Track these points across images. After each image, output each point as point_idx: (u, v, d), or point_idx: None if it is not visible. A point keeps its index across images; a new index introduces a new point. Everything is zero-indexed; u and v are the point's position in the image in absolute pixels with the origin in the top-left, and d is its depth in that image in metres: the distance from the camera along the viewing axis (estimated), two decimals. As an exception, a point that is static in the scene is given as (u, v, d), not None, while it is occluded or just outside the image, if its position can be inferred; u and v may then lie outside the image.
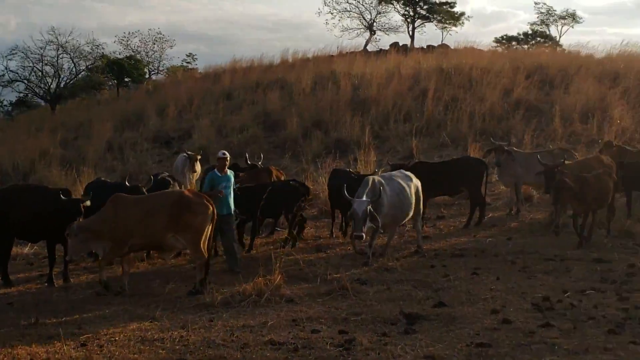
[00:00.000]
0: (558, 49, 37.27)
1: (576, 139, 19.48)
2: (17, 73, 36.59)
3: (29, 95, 39.09)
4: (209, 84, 30.86)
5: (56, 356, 7.39)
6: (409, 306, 8.95)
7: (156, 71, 40.63)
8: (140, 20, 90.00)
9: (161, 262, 12.32)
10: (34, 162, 23.29)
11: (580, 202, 12.03)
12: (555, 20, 44.35)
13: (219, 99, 27.48)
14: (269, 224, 14.53)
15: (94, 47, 36.71)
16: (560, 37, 44.11)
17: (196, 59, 41.70)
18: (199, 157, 17.12)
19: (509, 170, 14.64)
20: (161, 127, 26.28)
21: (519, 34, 44.68)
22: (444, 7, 41.94)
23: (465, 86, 24.50)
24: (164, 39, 40.00)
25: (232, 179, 11.90)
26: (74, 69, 37.05)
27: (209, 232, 10.26)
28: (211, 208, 10.23)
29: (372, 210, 11.00)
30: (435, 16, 42.12)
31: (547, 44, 40.70)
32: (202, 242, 10.12)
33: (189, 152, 17.33)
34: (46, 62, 36.46)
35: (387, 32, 42.37)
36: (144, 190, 11.97)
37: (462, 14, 43.09)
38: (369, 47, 39.27)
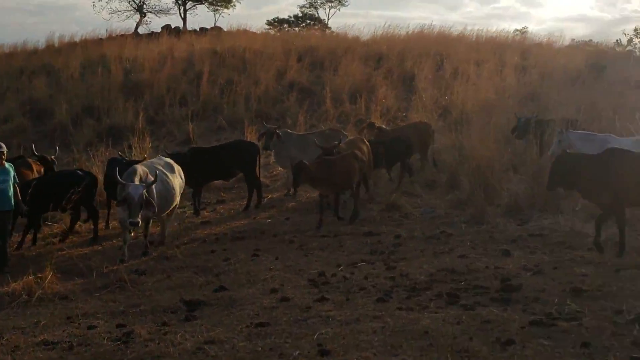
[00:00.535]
0: (327, 31, 38.75)
1: (346, 118, 20.41)
2: None
3: None
4: (-34, 72, 28.49)
5: None
6: (189, 293, 8.93)
7: None
8: None
9: None
10: None
11: (325, 184, 12.34)
12: (323, 3, 46.15)
13: (-20, 88, 25.51)
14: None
15: None
16: (328, 19, 46.03)
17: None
18: None
19: (283, 152, 14.99)
20: None
21: (289, 17, 46.08)
22: (215, -11, 42.03)
23: (240, 69, 24.75)
24: None
25: (12, 172, 11.15)
26: None
27: None
28: None
29: (147, 195, 10.72)
30: (206, -2, 42.11)
31: (316, 27, 42.21)
32: None
33: None
34: None
35: (158, 15, 41.70)
36: None
37: (234, -4, 43.46)
38: (140, 30, 38.42)
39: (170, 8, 41.77)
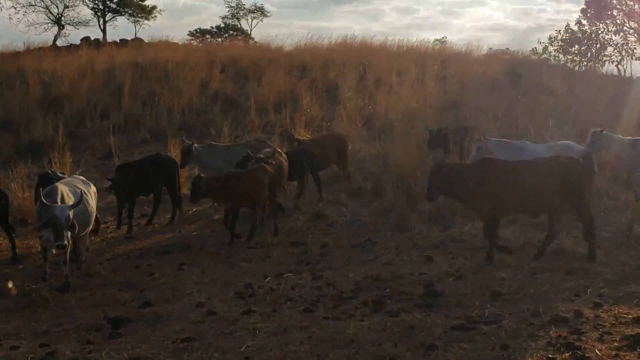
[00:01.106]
0: (250, 41, 38.74)
1: (271, 129, 20.44)
2: None
3: None
4: None
5: None
6: (113, 310, 8.80)
7: None
8: None
9: None
10: None
11: (228, 199, 12.13)
12: (246, 14, 46.16)
13: None
14: None
15: None
16: (251, 30, 46.03)
17: None
18: None
19: (210, 164, 14.81)
20: None
21: (212, 28, 45.83)
22: (135, 0, 41.43)
23: (162, 80, 24.44)
24: None
25: None
26: None
27: None
28: None
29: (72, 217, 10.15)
30: (126, 10, 41.48)
31: (239, 37, 42.15)
32: None
33: None
34: None
35: (77, 27, 40.66)
36: None
37: (154, 7, 43.00)
38: (59, 42, 37.40)
39: (89, 20, 40.90)
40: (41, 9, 39.94)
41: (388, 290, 8.85)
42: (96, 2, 40.64)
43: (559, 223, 10.10)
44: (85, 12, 41.38)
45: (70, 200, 10.27)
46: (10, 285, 9.97)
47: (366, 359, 6.44)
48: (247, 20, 46.44)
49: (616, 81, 29.25)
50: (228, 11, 46.10)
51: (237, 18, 46.17)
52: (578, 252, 10.07)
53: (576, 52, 40.64)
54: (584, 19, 40.88)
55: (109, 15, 41.24)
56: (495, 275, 9.13)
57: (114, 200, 14.22)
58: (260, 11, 46.32)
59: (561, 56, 40.41)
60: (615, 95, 22.08)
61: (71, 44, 34.70)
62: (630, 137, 13.70)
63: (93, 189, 11.58)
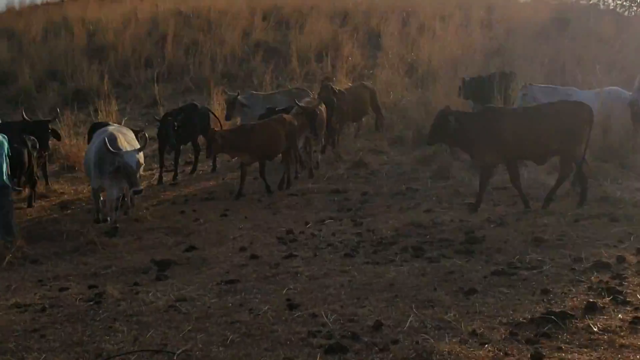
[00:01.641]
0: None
1: (313, 77, 20.41)
2: None
3: None
4: None
5: None
6: (159, 253, 9.03)
7: None
8: None
9: None
10: None
11: (243, 152, 11.91)
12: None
13: (-62, 52, 24.91)
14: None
15: None
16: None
17: None
18: None
19: (251, 114, 14.83)
20: None
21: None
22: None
23: (205, 29, 24.48)
24: None
25: (5, 145, 10.22)
26: None
27: None
28: None
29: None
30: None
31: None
32: None
33: None
34: None
35: (121, -26, 40.71)
36: None
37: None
38: (103, -9, 37.54)
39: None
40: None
41: (428, 236, 8.89)
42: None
43: (569, 167, 9.90)
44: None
45: (127, 146, 10.38)
46: None
47: (405, 303, 6.50)
48: (289, -34, 45.83)
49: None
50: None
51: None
52: (622, 199, 9.95)
53: (626, -3, 39.34)
54: (636, -38, 39.41)
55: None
56: (537, 222, 9.09)
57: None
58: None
59: (610, 1, 39.15)
60: (666, 41, 21.45)
61: (115, -7, 34.75)
62: (564, 87, 13.47)
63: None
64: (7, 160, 10.22)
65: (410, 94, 17.52)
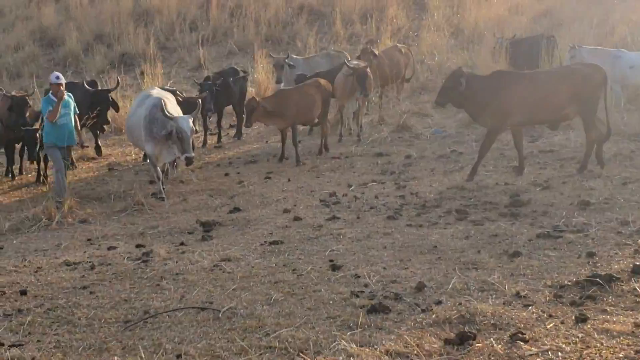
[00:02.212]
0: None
1: (357, 40, 20.23)
2: None
3: None
4: (-24, 0, 28.25)
5: None
6: (205, 215, 9.18)
7: None
8: None
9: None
10: None
11: (280, 118, 11.71)
12: None
13: (-12, 17, 25.35)
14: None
15: None
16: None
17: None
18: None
19: (291, 78, 14.71)
20: None
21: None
22: None
23: (249, -8, 24.38)
24: None
25: (73, 104, 10.62)
26: None
27: None
28: None
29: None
30: None
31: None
32: None
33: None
34: None
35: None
36: None
37: None
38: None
39: None
40: None
41: (472, 200, 8.85)
42: None
43: (593, 130, 9.65)
44: None
45: (174, 109, 10.33)
46: None
47: (448, 265, 6.51)
48: None
49: None
50: None
51: None
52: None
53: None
54: None
55: None
56: (584, 186, 8.97)
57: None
58: None
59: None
60: None
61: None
62: (613, 49, 13.06)
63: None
64: (76, 118, 10.62)
65: (456, 56, 17.27)
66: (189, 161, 9.92)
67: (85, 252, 7.82)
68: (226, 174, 11.47)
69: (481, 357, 4.69)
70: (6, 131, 11.58)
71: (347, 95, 12.77)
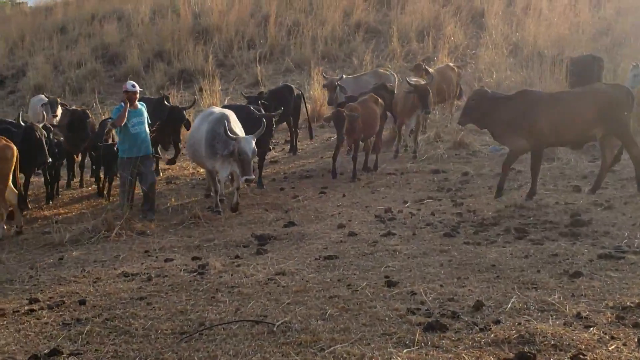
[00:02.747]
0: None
1: (413, 57, 20.19)
2: None
3: None
4: (41, 18, 29.15)
5: None
6: (260, 228, 9.21)
7: (-19, 7, 37.83)
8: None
9: None
10: None
11: (352, 131, 11.53)
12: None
13: (53, 34, 26.10)
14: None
15: None
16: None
17: (24, -8, 39.08)
18: (60, 101, 14.52)
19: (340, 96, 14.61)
20: (-8, 67, 24.74)
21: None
22: None
23: (307, 10, 24.61)
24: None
25: (145, 112, 10.58)
26: None
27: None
28: (14, 150, 9.51)
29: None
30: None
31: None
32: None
33: (46, 97, 14.74)
34: None
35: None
36: None
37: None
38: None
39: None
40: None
41: (531, 218, 8.68)
42: None
43: (611, 153, 9.53)
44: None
45: (237, 127, 10.18)
46: None
47: (507, 284, 6.37)
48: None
49: None
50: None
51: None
52: None
53: None
54: None
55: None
56: (647, 206, 8.73)
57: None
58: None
59: None
60: None
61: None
62: None
63: None
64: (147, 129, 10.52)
65: (515, 75, 17.06)
66: (248, 182, 9.86)
67: (142, 263, 7.92)
68: (281, 189, 11.52)
69: (542, 379, 4.57)
70: (67, 144, 11.85)
71: (408, 112, 12.74)
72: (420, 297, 6.16)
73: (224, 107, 12.14)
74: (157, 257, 8.24)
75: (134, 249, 8.71)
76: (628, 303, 5.72)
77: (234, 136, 9.69)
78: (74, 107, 12.72)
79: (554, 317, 5.53)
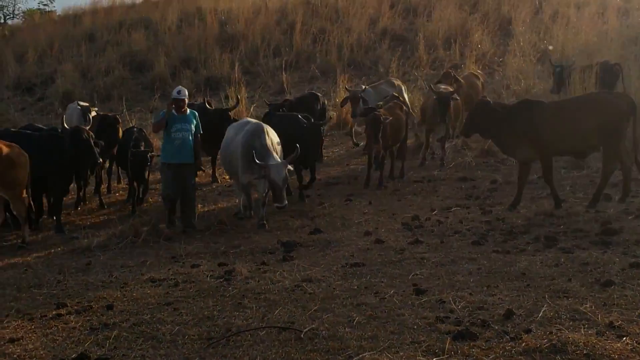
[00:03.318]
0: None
1: (440, 65, 20.08)
2: None
3: None
4: (70, 26, 29.35)
5: None
6: (286, 235, 9.19)
7: (11, 15, 38.38)
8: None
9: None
10: None
11: (381, 139, 11.37)
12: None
13: (81, 42, 26.24)
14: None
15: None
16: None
17: (53, 0, 39.64)
18: (93, 108, 14.06)
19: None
20: (21, 74, 24.90)
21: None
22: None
23: (332, 18, 24.56)
24: (16, -18, 37.75)
25: (194, 121, 10.20)
26: None
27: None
28: (27, 157, 9.51)
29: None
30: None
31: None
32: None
33: (82, 103, 14.34)
34: None
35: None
36: None
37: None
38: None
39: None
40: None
41: (562, 227, 8.56)
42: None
43: (612, 163, 9.32)
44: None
45: (275, 151, 9.76)
46: None
47: (538, 293, 6.27)
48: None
49: None
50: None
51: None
52: None
53: None
54: None
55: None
56: (680, 215, 8.56)
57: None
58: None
59: None
60: None
61: (245, -16, 35.48)
62: None
63: None
64: (195, 139, 10.17)
65: (543, 82, 16.91)
66: (279, 209, 9.60)
67: (169, 269, 7.92)
68: (307, 196, 11.47)
69: (575, 389, 4.47)
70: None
71: (436, 120, 12.66)
72: (449, 305, 6.09)
73: (270, 115, 12.09)
74: (183, 262, 8.24)
75: (160, 254, 8.74)
76: (662, 313, 5.60)
77: (262, 164, 9.32)
78: (103, 113, 12.82)
79: (586, 326, 5.42)
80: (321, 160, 11.87)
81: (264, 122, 10.99)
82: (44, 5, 38.81)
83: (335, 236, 8.94)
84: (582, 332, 5.30)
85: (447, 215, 9.58)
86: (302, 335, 5.60)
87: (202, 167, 11.41)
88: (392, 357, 5.07)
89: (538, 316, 5.66)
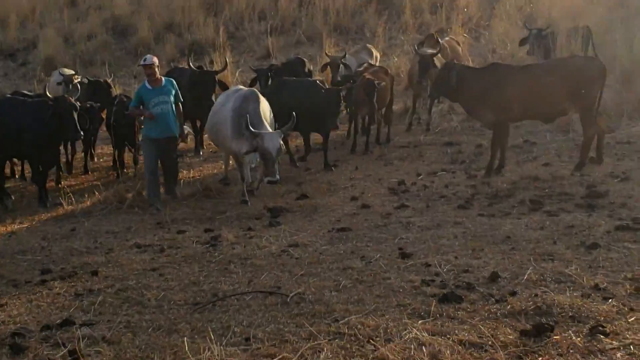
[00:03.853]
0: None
1: (426, 29, 19.91)
2: None
3: None
4: (51, -10, 28.91)
5: None
6: (272, 201, 9.15)
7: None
8: None
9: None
10: None
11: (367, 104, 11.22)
12: None
13: (63, 6, 25.82)
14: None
15: None
16: None
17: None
18: (75, 76, 13.31)
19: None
20: (3, 40, 24.52)
21: None
22: None
23: (318, -19, 24.28)
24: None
25: (172, 90, 9.61)
26: None
27: None
28: None
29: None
30: None
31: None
32: None
33: (66, 70, 13.78)
34: None
35: None
36: None
37: None
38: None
39: None
40: None
41: (547, 190, 8.58)
42: None
43: (591, 126, 9.30)
44: None
45: (267, 121, 9.13)
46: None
47: (523, 256, 6.29)
48: None
49: None
50: None
51: None
52: None
53: None
54: None
55: None
56: (664, 178, 8.60)
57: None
58: None
59: None
60: None
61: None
62: None
63: None
64: (177, 110, 9.71)
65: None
66: (271, 184, 8.80)
67: (155, 235, 7.90)
68: (302, 160, 11.40)
69: (559, 350, 4.50)
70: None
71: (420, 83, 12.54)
72: (435, 268, 6.11)
73: (286, 80, 11.47)
74: (169, 229, 8.22)
75: (145, 220, 8.71)
76: (647, 275, 5.63)
77: (256, 132, 8.56)
78: (96, 79, 12.70)
79: (572, 288, 5.46)
80: (337, 127, 11.52)
81: (277, 87, 10.94)
82: (25, -31, 38.12)
83: (322, 201, 8.92)
84: (568, 294, 5.34)
85: (433, 180, 9.58)
86: (288, 300, 5.61)
87: (185, 140, 10.67)
88: (378, 320, 5.08)
89: (523, 279, 5.70)
